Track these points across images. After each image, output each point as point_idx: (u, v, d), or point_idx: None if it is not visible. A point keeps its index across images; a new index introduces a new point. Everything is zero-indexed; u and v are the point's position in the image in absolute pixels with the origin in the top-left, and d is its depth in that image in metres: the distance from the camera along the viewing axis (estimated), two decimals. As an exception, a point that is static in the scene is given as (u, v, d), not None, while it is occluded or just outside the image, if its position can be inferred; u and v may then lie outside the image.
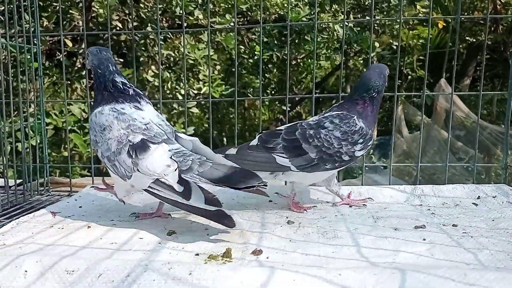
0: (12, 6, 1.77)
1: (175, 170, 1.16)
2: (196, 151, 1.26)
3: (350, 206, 1.52)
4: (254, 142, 1.44)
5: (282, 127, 1.50)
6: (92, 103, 1.43)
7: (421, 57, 7.54)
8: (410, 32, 7.05)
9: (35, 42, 1.89)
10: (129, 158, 1.21)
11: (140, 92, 1.36)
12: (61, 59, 2.05)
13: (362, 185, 1.80)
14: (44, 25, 4.84)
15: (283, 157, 1.40)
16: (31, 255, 1.00)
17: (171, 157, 1.19)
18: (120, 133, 1.25)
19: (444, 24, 7.50)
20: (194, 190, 1.13)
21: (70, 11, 4.83)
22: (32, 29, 1.86)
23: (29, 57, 1.88)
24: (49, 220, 1.38)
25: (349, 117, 1.46)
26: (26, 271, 0.94)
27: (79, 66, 5.34)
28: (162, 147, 1.22)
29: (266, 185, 1.17)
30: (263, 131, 1.54)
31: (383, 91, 1.53)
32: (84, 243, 1.15)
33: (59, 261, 0.96)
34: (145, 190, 1.21)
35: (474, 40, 7.58)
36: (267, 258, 1.04)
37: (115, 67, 1.37)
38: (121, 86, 1.33)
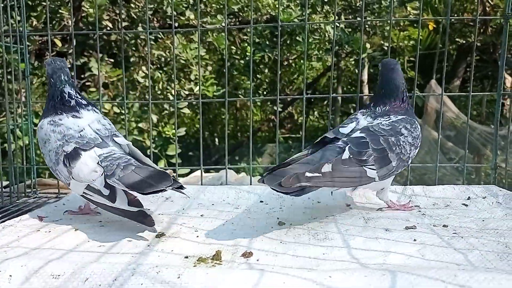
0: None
1: (102, 175, 1.22)
2: (132, 154, 1.35)
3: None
4: (346, 155, 1.26)
5: (350, 131, 1.38)
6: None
7: (411, 58, 7.60)
8: (401, 33, 7.11)
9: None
10: (65, 167, 1.30)
11: (84, 102, 1.43)
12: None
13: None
14: (33, 24, 4.78)
15: (372, 169, 1.27)
16: (16, 259, 0.97)
17: (98, 163, 1.25)
18: (56, 144, 1.33)
19: (435, 26, 7.58)
20: (118, 193, 1.19)
21: (60, 10, 4.78)
22: (20, 28, 1.83)
23: (16, 57, 1.85)
24: (36, 224, 1.35)
25: (413, 121, 1.43)
26: (10, 275, 0.91)
27: (69, 66, 5.28)
28: (91, 153, 1.29)
29: (182, 188, 1.19)
30: (338, 138, 1.35)
31: None
32: (71, 246, 1.13)
33: (44, 265, 0.94)
34: (81, 195, 1.30)
35: (464, 41, 7.67)
36: (257, 260, 1.03)
37: (67, 77, 1.45)
38: (66, 97, 1.41)
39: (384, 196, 1.46)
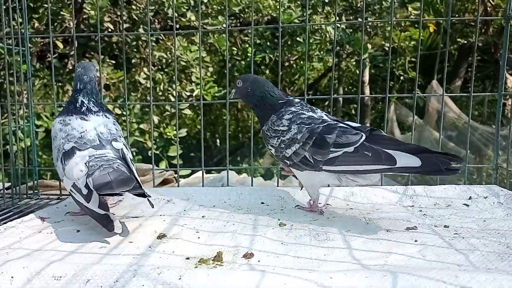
0: (0, 7, 1.75)
1: (85, 175, 1.25)
2: (124, 158, 1.38)
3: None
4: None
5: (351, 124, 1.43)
6: None
7: (413, 59, 7.59)
8: (402, 34, 7.10)
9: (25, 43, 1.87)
10: (61, 164, 1.34)
11: (94, 110, 1.48)
12: (51, 61, 2.03)
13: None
14: (35, 26, 4.79)
15: None
16: (17, 261, 0.97)
17: (85, 163, 1.29)
18: (60, 142, 1.39)
19: (435, 28, 7.57)
20: (94, 194, 1.20)
21: (61, 12, 4.79)
22: (22, 30, 1.84)
23: (18, 59, 1.85)
24: (38, 225, 1.35)
25: None
26: (12, 277, 0.92)
27: (71, 68, 5.30)
28: (84, 153, 1.32)
29: (144, 196, 1.19)
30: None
31: None
32: (72, 248, 1.13)
33: (46, 266, 0.94)
34: (69, 193, 1.32)
35: (465, 41, 7.66)
36: (259, 261, 1.03)
37: (83, 86, 1.49)
38: (78, 105, 1.48)
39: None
